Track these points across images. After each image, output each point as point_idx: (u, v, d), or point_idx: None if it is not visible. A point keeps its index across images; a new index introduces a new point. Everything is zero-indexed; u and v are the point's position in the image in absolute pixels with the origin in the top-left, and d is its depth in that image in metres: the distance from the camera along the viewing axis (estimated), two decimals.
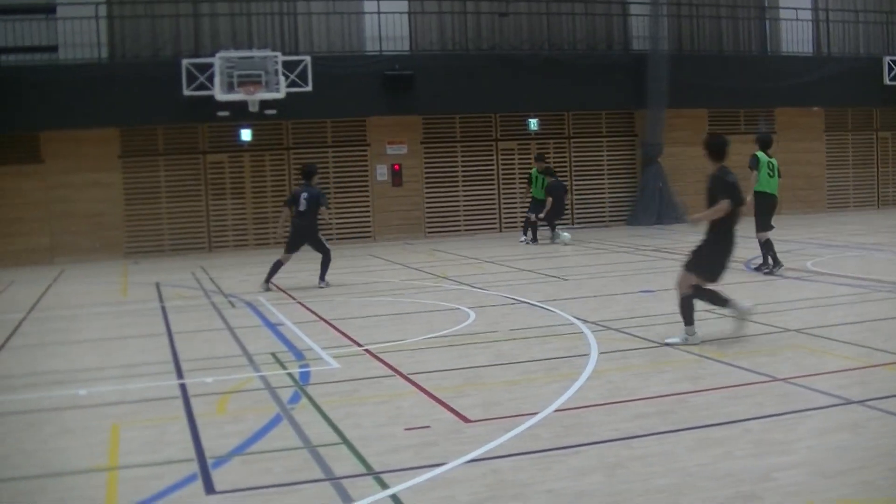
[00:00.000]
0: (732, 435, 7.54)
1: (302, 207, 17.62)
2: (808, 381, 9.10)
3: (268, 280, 17.75)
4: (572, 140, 30.31)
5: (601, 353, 10.76)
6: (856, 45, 34.25)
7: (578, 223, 29.97)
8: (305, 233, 17.81)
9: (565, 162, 30.13)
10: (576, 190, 30.15)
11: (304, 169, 18.39)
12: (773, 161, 17.31)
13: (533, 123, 29.60)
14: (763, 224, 17.07)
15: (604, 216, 30.66)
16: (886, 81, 32.40)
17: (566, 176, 29.57)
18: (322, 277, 17.94)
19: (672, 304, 11.85)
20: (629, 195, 30.73)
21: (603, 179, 30.68)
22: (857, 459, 6.84)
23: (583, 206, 30.45)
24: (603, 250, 22.77)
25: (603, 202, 30.78)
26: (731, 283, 16.17)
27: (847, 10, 34.02)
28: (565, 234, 24.77)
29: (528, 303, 14.83)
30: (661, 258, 20.16)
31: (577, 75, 28.72)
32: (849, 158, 33.70)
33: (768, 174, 17.13)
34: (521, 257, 21.82)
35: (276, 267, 17.75)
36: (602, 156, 30.62)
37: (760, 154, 17.18)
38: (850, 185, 33.70)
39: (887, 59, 32.52)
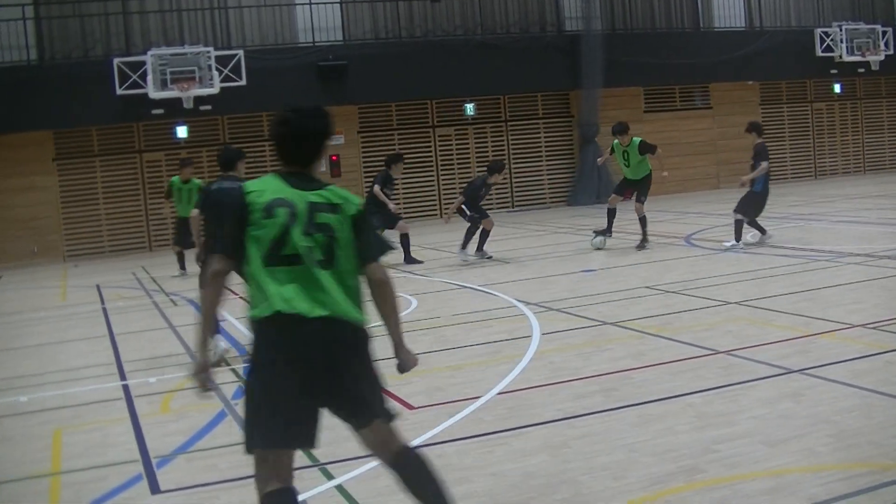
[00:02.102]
0: (675, 409, 7.59)
1: None
2: (750, 353, 9.17)
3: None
4: (509, 123, 30.33)
5: (543, 334, 10.79)
6: (787, 18, 34.52)
7: (518, 206, 30.03)
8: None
9: (503, 145, 30.15)
10: (514, 172, 30.18)
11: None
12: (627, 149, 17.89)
13: (469, 108, 29.58)
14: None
15: (543, 198, 30.73)
16: (819, 53, 32.74)
17: (504, 159, 29.62)
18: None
19: (611, 282, 11.86)
20: (568, 176, 30.81)
21: (541, 161, 30.75)
22: (797, 427, 6.91)
23: (522, 188, 30.51)
24: (543, 231, 22.84)
25: (542, 184, 30.84)
26: (670, 258, 16.36)
27: None
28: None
29: (470, 287, 14.84)
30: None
31: (511, 58, 28.74)
32: (785, 130, 34.01)
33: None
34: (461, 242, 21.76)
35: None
36: (539, 138, 30.68)
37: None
38: (787, 157, 34.00)
39: (819, 30, 32.86)
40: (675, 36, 31.97)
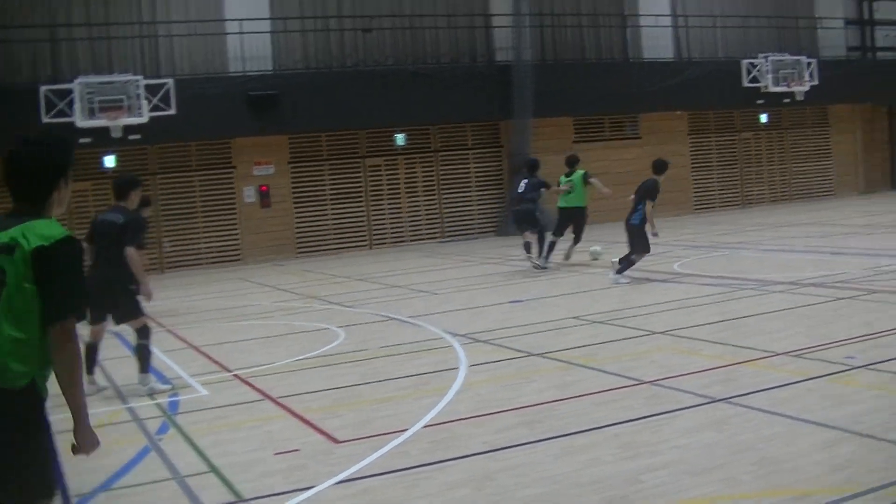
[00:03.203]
0: (600, 440, 7.59)
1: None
2: (674, 382, 9.22)
3: None
4: (439, 153, 30.35)
5: (470, 365, 10.77)
6: (715, 49, 35.04)
7: (448, 236, 30.03)
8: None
9: (433, 175, 30.17)
10: (444, 203, 30.20)
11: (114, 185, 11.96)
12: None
13: (400, 138, 29.58)
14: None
15: (473, 228, 30.73)
16: (745, 83, 33.18)
17: (434, 190, 29.66)
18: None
19: (540, 312, 11.89)
20: (497, 206, 30.86)
21: (471, 192, 30.76)
22: (721, 456, 6.95)
23: (451, 218, 30.50)
24: (472, 262, 22.84)
25: (471, 214, 30.83)
26: (598, 288, 16.46)
27: (705, 15, 34.75)
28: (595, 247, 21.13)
29: (399, 319, 14.79)
30: (530, 268, 20.27)
31: (442, 88, 28.80)
32: (713, 160, 34.40)
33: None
34: (391, 273, 21.78)
35: None
36: (469, 168, 30.72)
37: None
38: (715, 187, 34.39)
39: (745, 61, 33.32)
40: (605, 66, 32.28)
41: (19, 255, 4.23)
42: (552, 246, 19.66)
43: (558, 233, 20.14)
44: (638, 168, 32.25)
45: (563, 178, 20.17)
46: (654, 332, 11.90)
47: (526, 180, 19.73)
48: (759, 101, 33.81)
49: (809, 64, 34.20)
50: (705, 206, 33.78)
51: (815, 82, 34.12)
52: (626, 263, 16.88)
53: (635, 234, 16.79)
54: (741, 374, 9.43)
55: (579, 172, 20.18)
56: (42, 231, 4.30)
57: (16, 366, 4.20)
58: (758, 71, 33.30)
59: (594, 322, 12.82)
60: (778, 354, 10.18)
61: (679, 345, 11.14)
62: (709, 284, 15.81)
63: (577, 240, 20.23)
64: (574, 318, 13.36)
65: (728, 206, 34.65)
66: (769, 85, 33.30)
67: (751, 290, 14.88)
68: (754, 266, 18.09)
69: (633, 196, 17.08)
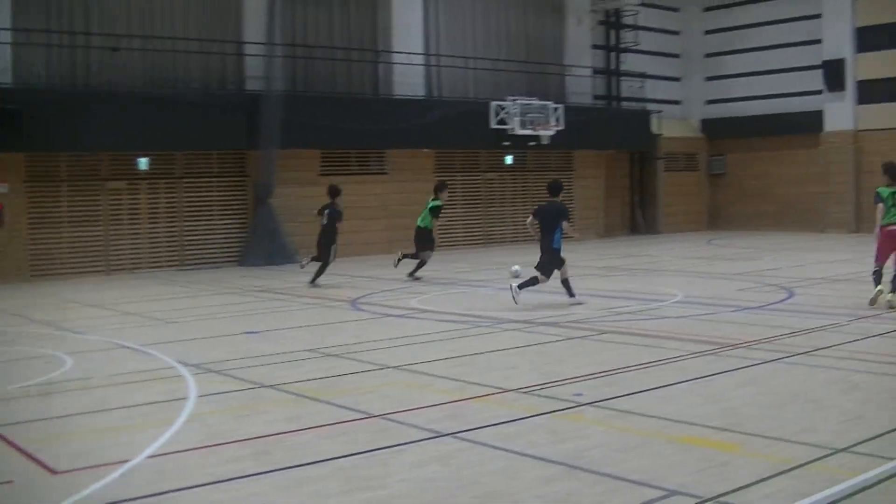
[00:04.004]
0: (326, 473, 7.55)
1: None
2: (404, 417, 9.25)
3: None
4: (183, 180, 29.75)
5: (200, 396, 10.53)
6: (465, 90, 35.67)
7: (189, 264, 29.44)
8: None
9: (176, 202, 29.54)
10: (186, 230, 29.59)
11: None
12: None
13: (143, 163, 28.81)
14: None
15: (215, 257, 30.17)
16: (493, 125, 33.86)
17: (176, 216, 29.11)
18: None
19: (275, 344, 11.77)
20: (240, 236, 30.43)
21: (214, 220, 30.21)
22: (445, 490, 7.03)
23: (193, 246, 29.85)
24: (211, 292, 22.43)
25: (214, 243, 30.25)
26: (335, 321, 16.43)
27: (458, 56, 35.38)
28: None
29: (130, 347, 14.35)
30: (269, 299, 20.09)
31: (189, 114, 28.22)
32: (458, 198, 34.86)
33: None
34: (127, 300, 21.18)
35: None
36: (213, 196, 30.20)
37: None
38: (458, 225, 34.88)
39: (494, 103, 34.01)
40: (355, 101, 32.36)
41: None
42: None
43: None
44: (385, 203, 32.64)
45: None
46: (388, 367, 11.94)
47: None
48: (506, 143, 34.55)
49: (556, 109, 35.22)
50: (448, 243, 34.17)
51: (561, 127, 35.16)
52: (530, 281, 17.45)
53: (554, 256, 17.52)
54: (471, 410, 9.56)
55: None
56: None
57: None
58: (506, 113, 34.05)
59: (328, 355, 12.78)
60: (508, 391, 10.37)
61: (411, 379, 11.21)
62: (446, 321, 16.00)
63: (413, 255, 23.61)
64: (309, 350, 13.29)
65: (471, 244, 35.22)
66: (516, 127, 34.08)
67: (486, 328, 15.15)
68: (491, 304, 18.42)
69: (532, 219, 17.96)
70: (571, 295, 17.58)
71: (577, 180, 38.76)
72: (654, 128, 40.79)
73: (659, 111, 41.28)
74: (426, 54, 34.49)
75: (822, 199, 39.73)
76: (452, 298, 19.31)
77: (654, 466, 7.55)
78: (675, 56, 44.86)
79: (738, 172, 43.02)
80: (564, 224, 17.58)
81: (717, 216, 44.01)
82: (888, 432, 8.40)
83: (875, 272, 16.52)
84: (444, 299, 18.46)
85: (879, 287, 16.30)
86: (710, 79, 44.70)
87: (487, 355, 12.76)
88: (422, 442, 8.40)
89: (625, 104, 41.28)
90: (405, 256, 23.49)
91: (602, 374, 11.18)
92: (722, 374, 11.18)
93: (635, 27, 41.78)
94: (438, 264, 26.35)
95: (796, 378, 10.90)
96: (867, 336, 13.64)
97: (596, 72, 40.49)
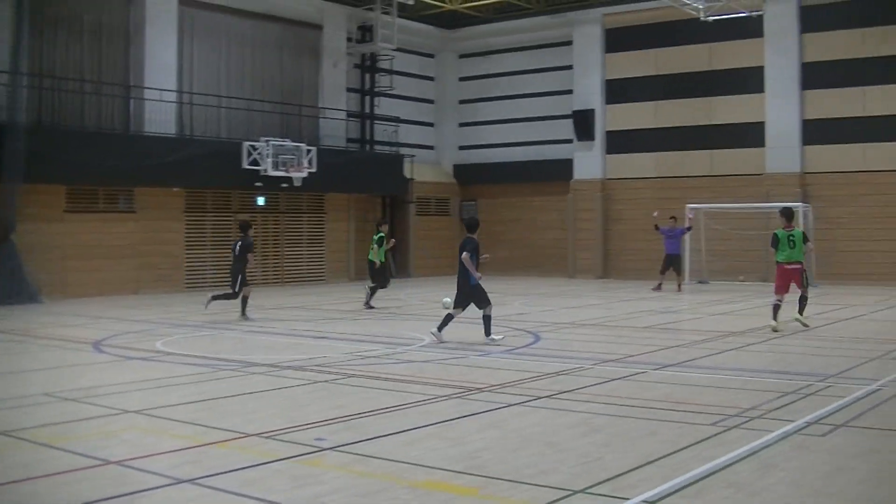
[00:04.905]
0: None
1: None
2: (142, 463, 9.06)
3: None
4: None
5: None
6: (218, 129, 35.26)
7: None
8: None
9: None
10: None
11: None
12: None
13: None
14: None
15: None
16: (245, 165, 33.57)
17: None
18: None
19: (8, 388, 11.32)
20: None
21: None
22: None
23: None
24: None
25: None
26: (76, 364, 15.95)
27: (211, 94, 35.00)
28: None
29: None
30: (7, 340, 19.35)
31: None
32: (208, 239, 34.43)
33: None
34: None
35: None
36: None
37: None
38: (209, 265, 34.37)
39: (247, 144, 33.74)
40: (105, 136, 31.52)
41: None
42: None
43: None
44: (133, 242, 31.92)
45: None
46: (128, 411, 11.64)
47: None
48: (258, 184, 34.35)
49: (309, 151, 35.26)
50: (198, 284, 33.65)
51: (314, 169, 35.19)
52: (487, 321, 18.39)
53: (477, 290, 18.37)
54: (212, 455, 9.44)
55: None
56: None
57: None
58: (258, 154, 33.85)
59: (66, 399, 12.39)
60: (250, 435, 10.28)
61: (152, 424, 10.98)
62: (190, 364, 15.74)
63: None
64: (46, 394, 12.85)
65: (220, 286, 34.71)
66: (269, 168, 33.92)
67: (231, 371, 14.99)
68: (238, 347, 18.27)
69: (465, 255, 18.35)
70: (488, 334, 18.38)
71: (329, 223, 38.97)
72: (407, 172, 41.40)
73: (412, 156, 41.96)
74: (179, 91, 33.97)
75: (571, 246, 41.01)
76: (198, 341, 19.03)
77: None
78: (430, 101, 45.72)
79: (490, 218, 44.00)
80: (463, 255, 18.20)
81: None
82: (625, 473, 8.71)
83: (775, 305, 20.23)
84: (190, 342, 18.17)
85: (774, 323, 19.97)
86: (463, 125, 45.78)
87: (231, 399, 12.63)
88: (161, 489, 8.24)
89: (378, 148, 41.71)
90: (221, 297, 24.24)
91: (345, 419, 11.21)
92: (465, 417, 11.36)
93: (391, 72, 42.34)
94: (189, 305, 25.97)
95: (539, 421, 11.18)
96: (609, 379, 14.11)
97: (350, 115, 40.80)
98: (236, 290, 23.63)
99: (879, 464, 9.05)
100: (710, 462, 9.02)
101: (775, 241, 20.32)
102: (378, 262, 26.96)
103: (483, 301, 18.41)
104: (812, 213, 34.81)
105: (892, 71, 34.60)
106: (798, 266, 20.21)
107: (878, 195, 33.89)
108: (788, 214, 20.51)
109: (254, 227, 25.85)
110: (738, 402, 12.09)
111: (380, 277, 27.07)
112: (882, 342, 18.38)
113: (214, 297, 24.13)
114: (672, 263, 32.63)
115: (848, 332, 20.19)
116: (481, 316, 18.49)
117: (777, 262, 20.38)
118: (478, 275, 18.22)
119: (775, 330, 19.71)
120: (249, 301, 23.83)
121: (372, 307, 26.20)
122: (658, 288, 32.35)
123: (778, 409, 11.73)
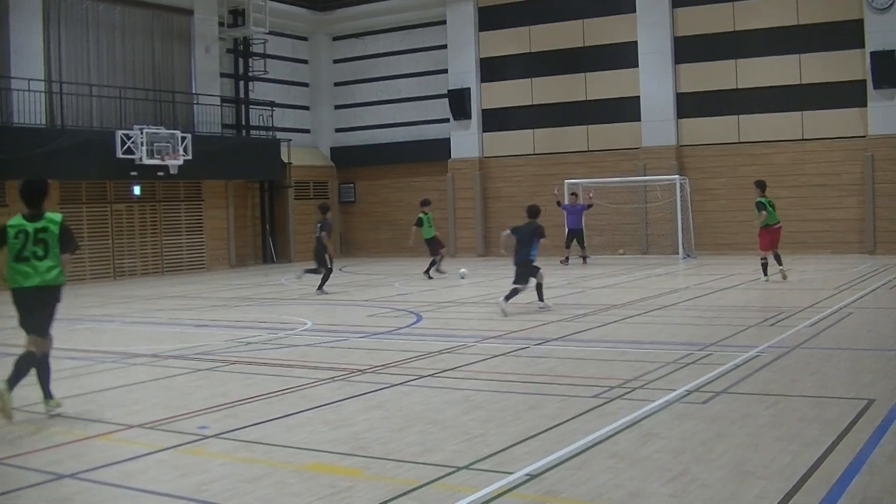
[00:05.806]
0: None
1: None
2: (21, 460, 8.94)
3: None
4: None
5: None
6: (90, 119, 34.57)
7: None
8: None
9: None
10: None
11: None
12: None
13: None
14: None
15: None
16: (119, 155, 32.96)
17: None
18: None
19: None
20: None
21: None
22: None
23: None
24: None
25: None
26: None
27: (82, 83, 34.32)
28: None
29: None
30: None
31: None
32: (84, 230, 33.82)
33: None
34: None
35: None
36: None
37: None
38: (85, 258, 33.79)
39: (120, 132, 33.12)
40: None
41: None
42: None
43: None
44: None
45: None
46: None
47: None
48: (133, 173, 33.82)
49: (184, 139, 34.79)
50: (75, 278, 33.06)
51: (189, 157, 34.73)
52: (512, 293, 19.42)
53: (529, 267, 19.55)
54: (93, 449, 9.34)
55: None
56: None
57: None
58: (132, 143, 33.27)
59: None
60: (132, 427, 10.19)
61: (33, 420, 10.78)
62: (69, 357, 15.44)
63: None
64: None
65: (98, 277, 34.22)
66: (143, 157, 33.37)
67: (112, 363, 14.78)
68: (118, 338, 18.01)
69: (509, 233, 20.15)
70: (541, 300, 19.91)
71: (207, 210, 38.52)
72: (284, 156, 41.14)
73: (289, 140, 41.69)
74: (48, 81, 33.25)
75: (452, 225, 41.15)
76: (78, 334, 18.68)
77: (278, 496, 7.61)
78: (305, 85, 45.44)
79: (369, 200, 44.04)
80: (543, 241, 19.73)
81: (349, 243, 44.79)
82: (508, 448, 8.80)
83: (764, 263, 24.16)
84: (69, 335, 17.82)
85: (766, 278, 24.03)
86: (339, 107, 45.59)
87: (112, 391, 12.47)
88: (42, 485, 8.11)
89: (254, 133, 41.30)
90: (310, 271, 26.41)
91: (228, 406, 11.15)
92: (349, 399, 11.37)
93: (264, 55, 42.01)
94: (65, 298, 25.44)
95: (422, 400, 11.23)
96: (491, 356, 14.24)
97: (225, 100, 40.35)
98: (329, 266, 25.75)
99: (757, 428, 9.26)
100: (592, 434, 9.16)
101: (763, 207, 23.62)
102: (433, 236, 30.21)
103: (534, 272, 19.70)
104: (688, 184, 35.40)
105: (764, 44, 35.32)
106: (781, 225, 24.13)
107: (752, 166, 34.50)
108: (763, 185, 24.24)
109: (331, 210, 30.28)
110: (619, 374, 12.30)
111: (438, 247, 30.09)
112: (759, 310, 18.85)
113: (308, 271, 26.48)
114: (575, 237, 33.43)
115: (726, 301, 20.64)
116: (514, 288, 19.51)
117: (767, 224, 23.68)
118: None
119: (766, 281, 23.72)
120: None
121: (443, 272, 29.85)
122: (566, 261, 32.88)
123: (659, 378, 11.95)
